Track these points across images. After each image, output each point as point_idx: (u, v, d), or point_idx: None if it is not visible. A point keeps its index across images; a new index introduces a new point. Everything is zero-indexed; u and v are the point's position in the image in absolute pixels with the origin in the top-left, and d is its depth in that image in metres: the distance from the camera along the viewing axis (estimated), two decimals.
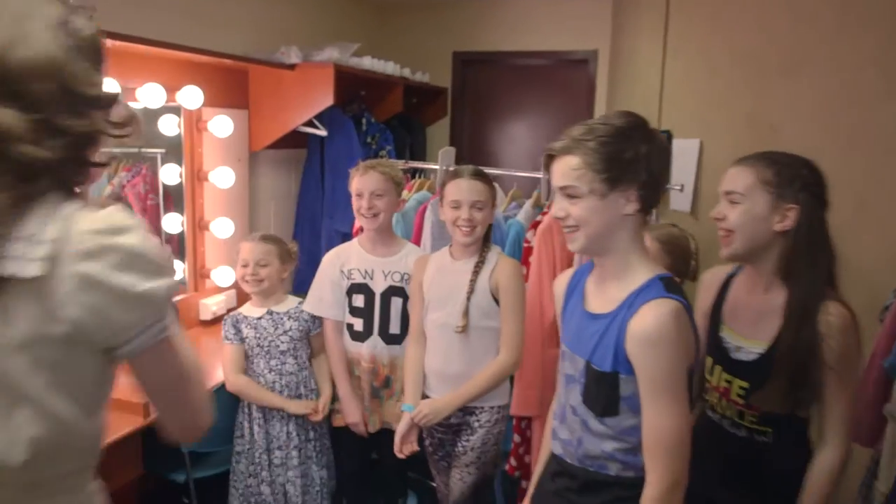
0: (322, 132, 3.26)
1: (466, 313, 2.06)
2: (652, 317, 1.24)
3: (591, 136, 1.28)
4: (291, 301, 2.39)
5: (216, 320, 2.98)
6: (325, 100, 3.11)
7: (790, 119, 2.47)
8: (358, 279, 2.35)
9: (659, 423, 1.27)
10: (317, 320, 2.35)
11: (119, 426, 1.98)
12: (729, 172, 1.59)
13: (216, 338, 2.84)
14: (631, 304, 1.28)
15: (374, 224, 2.30)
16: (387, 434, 2.33)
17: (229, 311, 3.06)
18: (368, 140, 3.71)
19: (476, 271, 2.08)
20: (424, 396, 2.17)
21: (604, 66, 4.26)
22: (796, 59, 2.43)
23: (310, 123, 3.21)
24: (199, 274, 2.96)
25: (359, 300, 2.35)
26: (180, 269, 2.91)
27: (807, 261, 1.48)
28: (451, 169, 2.19)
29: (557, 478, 1.48)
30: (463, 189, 2.06)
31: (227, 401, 2.32)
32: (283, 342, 2.29)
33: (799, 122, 2.44)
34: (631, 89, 3.69)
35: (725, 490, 1.61)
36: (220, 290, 3.04)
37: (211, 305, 2.96)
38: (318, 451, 2.35)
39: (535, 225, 2.59)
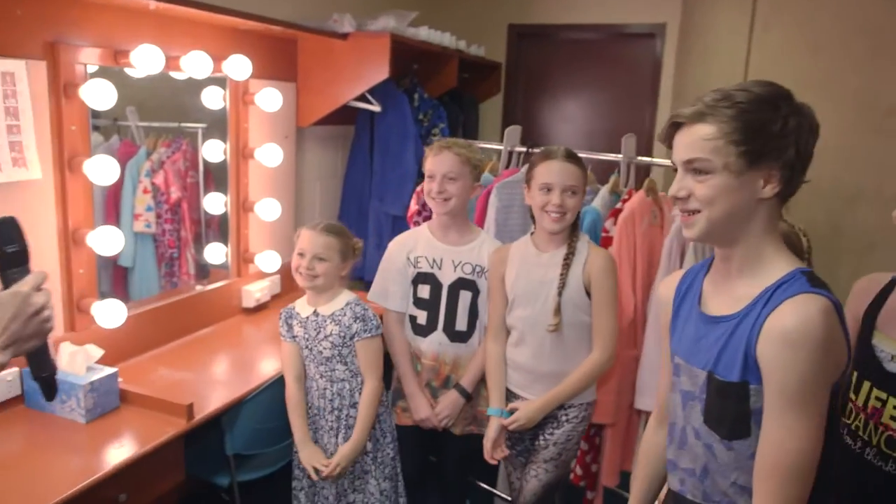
0: (376, 107, 3.02)
1: (559, 310, 1.89)
2: (795, 314, 1.02)
3: (729, 103, 1.08)
4: (341, 300, 2.08)
5: (259, 308, 2.80)
6: (380, 73, 2.87)
7: None
8: (425, 268, 2.15)
9: (781, 441, 1.05)
10: (358, 324, 2.03)
11: (161, 430, 1.80)
12: None
13: (259, 327, 2.67)
14: (767, 301, 1.07)
15: (445, 209, 2.09)
16: (445, 436, 2.21)
17: (273, 297, 2.91)
18: (420, 117, 3.46)
19: (567, 264, 1.88)
20: (509, 394, 2.03)
21: (672, 41, 3.95)
22: None
23: (362, 98, 2.98)
24: (243, 258, 2.76)
25: (424, 291, 2.16)
26: (222, 252, 2.71)
27: None
28: (542, 149, 1.97)
29: None
30: (555, 171, 1.87)
31: (269, 402, 2.13)
32: (325, 348, 2.03)
33: None
34: (707, 67, 3.40)
35: None
36: (264, 275, 2.84)
37: (255, 292, 2.76)
38: (378, 463, 2.13)
39: (615, 213, 2.35)
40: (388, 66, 2.85)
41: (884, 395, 1.36)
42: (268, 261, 2.76)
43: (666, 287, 1.34)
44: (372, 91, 3.00)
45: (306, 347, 2.05)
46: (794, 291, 1.05)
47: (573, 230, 1.92)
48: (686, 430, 1.21)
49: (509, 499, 2.63)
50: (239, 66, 2.42)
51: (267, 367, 2.27)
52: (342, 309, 2.04)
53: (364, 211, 3.42)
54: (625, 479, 2.51)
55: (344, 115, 3.11)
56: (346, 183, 3.46)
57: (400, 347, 2.18)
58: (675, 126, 1.14)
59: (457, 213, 2.13)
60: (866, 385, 1.40)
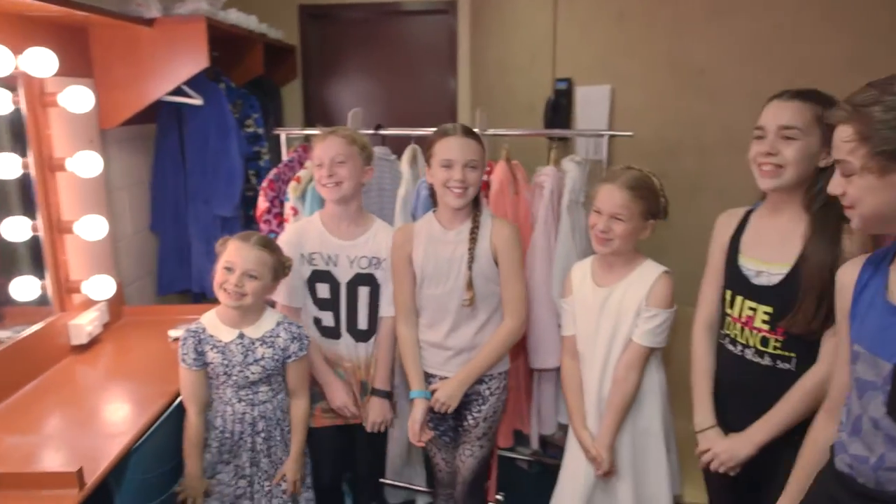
0: (197, 101, 2.72)
1: (471, 285, 1.88)
2: None
3: (872, 102, 1.08)
4: (269, 320, 1.90)
5: (93, 342, 2.40)
6: (197, 62, 2.57)
7: (720, 61, 2.51)
8: (321, 265, 2.04)
9: None
10: (295, 344, 1.91)
11: None
12: (777, 107, 1.53)
13: (97, 365, 2.29)
14: None
15: (337, 194, 1.99)
16: (361, 434, 2.15)
17: (104, 326, 2.51)
18: (230, 108, 3.19)
19: (473, 238, 1.89)
20: (428, 375, 2.03)
21: (465, 17, 4.07)
22: (722, 1, 2.46)
23: (178, 91, 2.66)
24: (66, 289, 2.33)
25: (324, 290, 2.05)
26: (36, 286, 2.26)
27: None
28: (440, 127, 1.93)
29: (849, 500, 1.24)
30: (454, 147, 1.86)
31: (157, 445, 1.86)
32: (253, 373, 1.85)
33: (731, 63, 2.48)
34: (509, 39, 3.57)
35: (749, 421, 1.62)
36: (91, 304, 2.44)
37: (85, 326, 2.36)
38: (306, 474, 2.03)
39: (484, 186, 2.39)
40: (206, 54, 2.57)
41: (754, 305, 1.58)
42: (99, 287, 2.37)
43: (846, 273, 1.30)
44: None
45: (224, 374, 1.84)
46: None
47: (476, 204, 1.93)
48: (862, 419, 1.20)
49: (423, 489, 2.62)
50: (41, 61, 2.02)
51: (135, 407, 1.96)
52: (273, 329, 1.87)
53: (181, 217, 3.08)
54: (518, 439, 2.62)
55: (144, 112, 2.75)
56: (155, 188, 3.08)
57: (312, 345, 2.04)
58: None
59: (349, 199, 2.03)
60: (739, 299, 1.62)
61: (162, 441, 1.87)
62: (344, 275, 2.04)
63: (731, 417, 1.67)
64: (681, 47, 2.59)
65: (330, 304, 2.05)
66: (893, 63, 2.10)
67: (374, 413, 2.07)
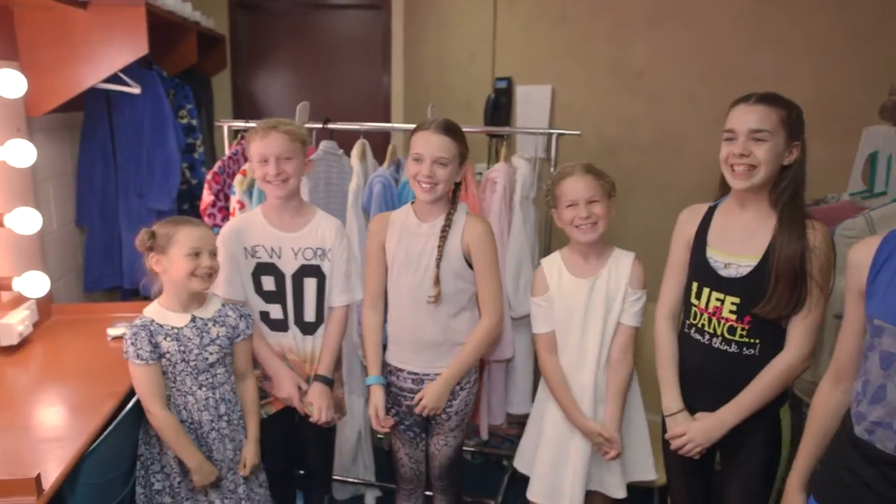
0: (135, 89, 2.59)
1: (438, 282, 1.90)
2: None
3: None
4: (215, 301, 1.91)
5: (24, 343, 2.26)
6: (136, 49, 2.45)
7: (657, 65, 2.64)
8: (264, 258, 2.02)
9: None
10: (243, 322, 1.92)
11: None
12: (745, 111, 1.61)
13: (29, 367, 2.16)
14: None
15: (285, 190, 1.97)
16: (311, 428, 2.13)
17: (34, 325, 2.37)
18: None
19: (443, 236, 1.91)
20: (393, 369, 2.05)
21: (398, 13, 4.07)
22: (662, 9, 2.59)
23: (114, 79, 2.53)
24: None
25: (269, 283, 2.03)
26: None
27: (797, 187, 1.63)
28: (421, 122, 1.93)
29: (865, 467, 1.35)
30: (424, 143, 1.88)
31: (110, 449, 1.78)
32: (211, 353, 1.83)
33: (667, 68, 2.62)
34: (447, 37, 3.60)
35: (715, 404, 1.73)
36: (20, 302, 2.30)
37: (16, 325, 2.21)
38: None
39: None
40: (145, 40, 2.46)
41: (721, 296, 1.68)
42: (31, 284, 2.23)
43: (862, 252, 1.38)
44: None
45: (182, 360, 1.80)
46: None
47: (452, 202, 1.95)
48: (887, 387, 1.29)
49: (372, 481, 2.63)
50: None
51: (82, 411, 1.86)
52: (221, 309, 1.88)
53: (110, 211, 2.94)
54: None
55: (70, 100, 2.61)
56: (82, 180, 2.91)
57: (258, 336, 2.04)
58: None
59: (293, 193, 2.02)
60: (706, 290, 1.71)
61: (115, 445, 1.79)
62: (289, 266, 2.02)
63: (698, 403, 1.76)
64: (620, 51, 2.70)
65: (276, 297, 2.04)
66: (813, 73, 2.30)
67: (317, 398, 2.04)
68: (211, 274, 1.81)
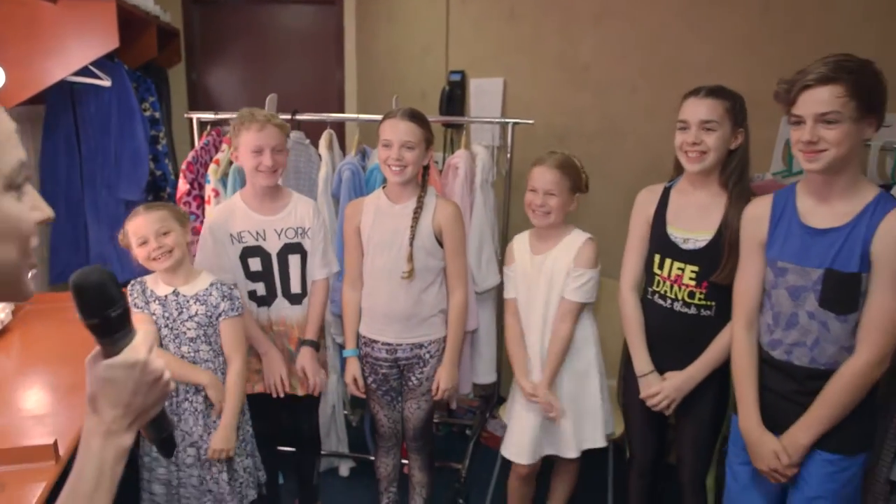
0: (105, 82, 2.66)
1: (411, 259, 2.08)
2: None
3: (858, 70, 1.46)
4: (203, 280, 2.02)
5: (4, 332, 2.32)
6: (106, 43, 2.55)
7: (602, 59, 2.87)
8: (250, 242, 2.17)
9: (886, 306, 1.49)
10: (226, 302, 2.03)
11: (33, 482, 1.50)
12: (695, 103, 1.82)
13: (14, 354, 2.23)
14: (873, 213, 1.50)
15: (275, 180, 2.15)
16: (301, 399, 2.29)
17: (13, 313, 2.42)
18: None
19: (416, 217, 2.08)
20: (368, 340, 2.22)
21: (350, 9, 4.21)
22: (606, 8, 2.81)
23: (84, 72, 2.59)
24: None
25: (256, 264, 2.18)
26: None
27: (743, 169, 1.87)
28: (389, 111, 2.10)
29: (786, 382, 1.65)
30: (393, 129, 2.05)
31: None
32: (189, 328, 1.97)
33: (611, 61, 2.85)
34: (399, 32, 3.76)
35: (678, 361, 1.96)
36: None
37: None
38: (241, 441, 2.10)
39: None
40: (115, 34, 2.55)
41: (682, 265, 1.91)
42: None
43: (759, 208, 1.71)
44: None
45: (166, 327, 1.95)
46: (892, 205, 1.49)
47: (423, 184, 2.12)
48: (798, 314, 1.61)
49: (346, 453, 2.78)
50: None
51: (75, 388, 1.95)
52: (207, 289, 2.00)
53: (75, 203, 2.99)
54: None
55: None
56: (45, 173, 2.95)
57: (249, 317, 2.17)
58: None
59: (277, 181, 2.19)
60: (668, 261, 1.94)
61: None
62: (273, 246, 2.18)
63: (663, 359, 1.99)
64: (568, 46, 2.92)
65: (262, 276, 2.18)
66: (744, 67, 2.56)
67: (307, 361, 2.19)
68: (168, 251, 1.92)
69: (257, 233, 2.17)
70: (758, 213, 1.71)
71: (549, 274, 2.12)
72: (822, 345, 1.59)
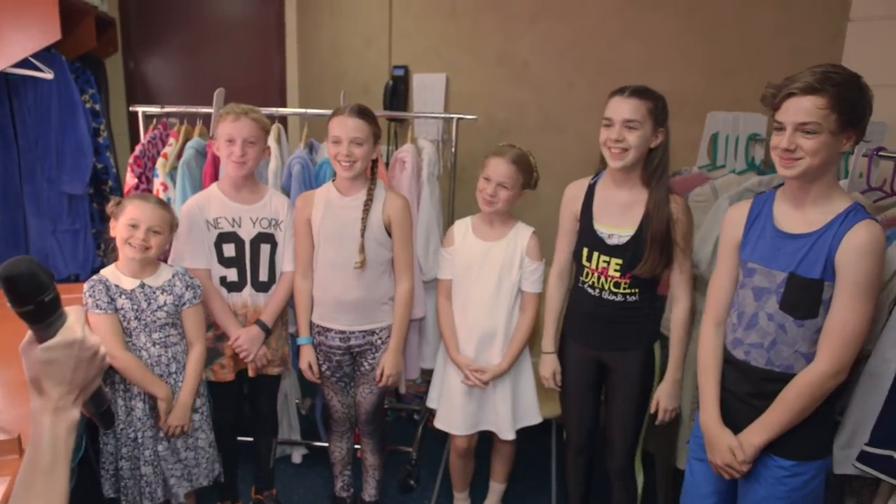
0: (48, 74, 2.62)
1: (363, 250, 2.16)
2: (868, 232, 1.49)
3: (843, 83, 1.48)
4: (166, 271, 2.10)
5: None
6: (47, 34, 2.52)
7: (541, 57, 3.01)
8: (226, 228, 2.25)
9: (847, 317, 1.52)
10: (189, 291, 2.11)
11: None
12: (620, 102, 1.93)
13: None
14: (842, 223, 1.53)
15: (244, 170, 2.21)
16: (259, 380, 2.39)
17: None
18: None
19: (366, 209, 2.16)
20: (321, 329, 2.30)
21: (292, 2, 4.20)
22: (543, 7, 2.94)
23: (24, 64, 2.55)
24: None
25: (230, 249, 2.26)
26: None
27: (664, 167, 2.01)
28: (337, 108, 2.16)
29: (742, 384, 1.72)
30: (342, 125, 2.13)
31: None
32: (159, 317, 2.04)
33: (549, 59, 2.99)
34: (342, 26, 3.79)
35: (611, 347, 2.13)
36: None
37: None
38: (205, 417, 2.20)
39: None
40: (57, 25, 2.53)
41: (608, 258, 2.05)
42: None
43: (737, 212, 1.76)
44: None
45: (135, 318, 2.00)
46: (861, 217, 1.51)
47: (372, 177, 2.20)
48: (758, 315, 1.66)
49: (298, 440, 2.85)
50: None
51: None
52: (170, 280, 2.08)
53: (13, 196, 2.93)
54: None
55: None
56: None
57: (218, 301, 2.25)
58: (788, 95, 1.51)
59: (251, 172, 2.25)
60: (595, 254, 2.08)
61: None
62: (247, 233, 2.25)
63: (596, 339, 2.14)
64: (508, 43, 3.04)
65: (235, 262, 2.26)
66: (670, 67, 2.74)
67: (249, 339, 2.25)
68: (146, 247, 1.98)
69: (233, 219, 2.24)
70: (735, 216, 1.76)
71: (499, 263, 2.24)
72: (778, 346, 1.63)
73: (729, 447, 1.71)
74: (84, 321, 0.95)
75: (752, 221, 1.72)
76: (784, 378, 1.63)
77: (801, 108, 1.49)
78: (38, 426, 0.91)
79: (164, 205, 2.09)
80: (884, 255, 1.54)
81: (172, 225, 2.08)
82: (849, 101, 1.48)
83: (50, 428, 0.91)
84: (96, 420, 1.06)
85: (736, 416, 1.73)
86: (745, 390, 1.71)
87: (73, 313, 0.94)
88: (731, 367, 1.76)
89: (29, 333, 0.91)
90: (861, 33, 2.44)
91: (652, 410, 2.11)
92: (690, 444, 1.94)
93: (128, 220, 1.98)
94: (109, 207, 2.04)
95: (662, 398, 2.08)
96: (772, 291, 1.64)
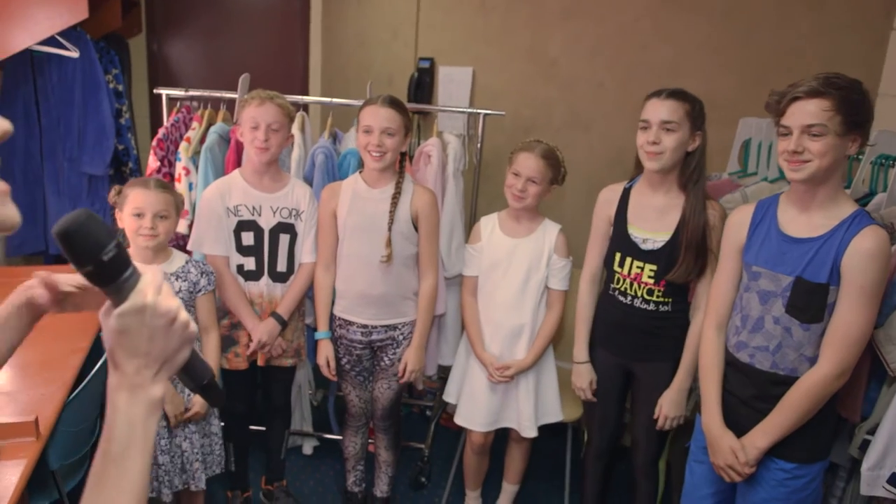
0: (74, 53, 2.60)
1: (390, 243, 2.13)
2: (874, 238, 1.51)
3: (848, 87, 1.50)
4: (179, 258, 2.07)
5: None
6: (74, 12, 2.49)
7: (570, 55, 2.96)
8: (246, 216, 2.21)
9: (851, 320, 1.54)
10: (204, 278, 2.08)
11: (16, 457, 1.51)
12: (657, 104, 1.89)
13: None
14: (848, 228, 1.54)
15: (267, 157, 2.17)
16: (273, 371, 2.38)
17: None
18: None
19: (394, 202, 2.13)
20: (344, 322, 2.26)
21: None
22: (575, 5, 2.90)
23: (50, 41, 2.53)
24: None
25: (249, 238, 2.22)
26: None
27: (701, 171, 1.97)
28: (369, 97, 2.14)
29: (746, 387, 1.71)
30: (374, 115, 2.09)
31: (87, 399, 1.90)
32: None
33: (579, 58, 2.95)
34: (369, 17, 3.75)
35: (640, 358, 2.09)
36: None
37: None
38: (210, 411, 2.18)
39: None
40: (84, 4, 2.50)
41: (641, 264, 2.02)
42: None
43: (740, 215, 1.76)
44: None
45: None
46: (866, 223, 1.53)
47: (400, 170, 2.17)
48: (764, 318, 1.66)
49: (310, 432, 2.83)
50: None
51: (52, 364, 1.95)
52: (184, 266, 2.05)
53: (34, 174, 2.93)
54: None
55: None
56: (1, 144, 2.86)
57: (235, 289, 2.22)
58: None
59: (274, 159, 2.21)
60: (628, 259, 2.04)
61: (87, 395, 1.90)
62: (267, 223, 2.22)
63: (626, 351, 2.11)
64: (537, 40, 2.99)
65: (253, 251, 2.23)
66: (702, 69, 2.69)
67: (262, 332, 2.22)
68: (154, 235, 1.94)
69: (253, 207, 2.21)
70: (739, 219, 1.77)
71: (527, 260, 2.21)
72: (783, 350, 1.64)
73: (731, 448, 1.72)
74: (160, 284, 0.83)
75: (755, 225, 1.72)
76: (788, 381, 1.64)
77: (807, 110, 1.52)
78: (113, 407, 0.79)
79: (167, 186, 2.04)
80: (889, 261, 1.55)
81: (179, 206, 2.04)
82: (852, 104, 1.51)
83: (126, 408, 0.78)
84: (201, 395, 0.95)
85: (739, 418, 1.74)
86: (749, 393, 1.72)
87: (148, 273, 0.82)
88: (735, 370, 1.77)
89: (107, 300, 0.80)
90: None
91: (655, 416, 2.07)
92: (691, 447, 1.93)
93: (132, 210, 1.93)
94: (111, 197, 2.00)
95: (666, 405, 2.05)
96: (778, 295, 1.64)
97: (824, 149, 1.51)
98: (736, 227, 1.77)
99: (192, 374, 0.92)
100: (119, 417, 0.78)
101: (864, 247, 1.52)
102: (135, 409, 0.79)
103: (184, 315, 0.84)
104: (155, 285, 0.81)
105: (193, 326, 0.87)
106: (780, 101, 1.57)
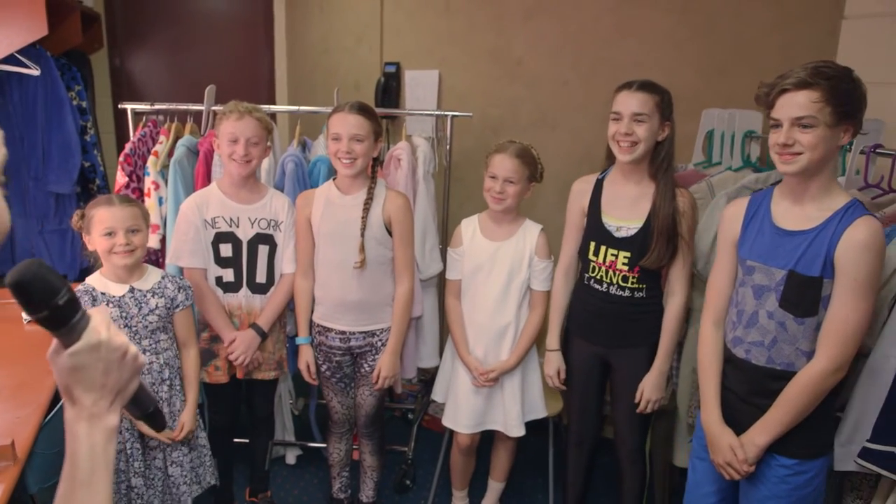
0: (34, 71, 2.57)
1: (363, 249, 2.14)
2: (867, 228, 1.49)
3: (836, 76, 1.48)
4: (155, 274, 2.05)
5: None
6: (33, 30, 2.46)
7: (535, 54, 2.99)
8: (223, 227, 2.22)
9: (847, 315, 1.52)
10: (181, 293, 2.07)
11: None
12: (628, 96, 1.94)
13: None
14: (841, 219, 1.52)
15: (247, 170, 2.18)
16: (255, 383, 2.38)
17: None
18: None
19: (366, 208, 2.14)
20: (322, 328, 2.27)
21: None
22: (538, 4, 2.93)
23: (10, 60, 2.50)
24: None
25: (227, 250, 2.23)
26: None
27: (670, 160, 2.02)
28: (338, 105, 2.14)
29: (743, 384, 1.71)
30: (342, 122, 2.11)
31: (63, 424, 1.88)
32: (151, 321, 1.99)
33: (543, 56, 2.98)
34: (332, 22, 3.75)
35: (617, 345, 2.13)
36: None
37: None
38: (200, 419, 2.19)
39: None
40: (44, 21, 2.48)
41: (616, 252, 2.06)
42: None
43: (735, 209, 1.75)
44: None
45: (125, 326, 1.95)
46: (860, 214, 1.50)
47: (372, 176, 2.18)
48: (758, 313, 1.65)
49: (292, 441, 2.83)
50: None
51: (24, 388, 1.92)
52: (160, 282, 2.03)
53: (21, 193, 2.88)
54: None
55: None
56: None
57: (213, 301, 2.21)
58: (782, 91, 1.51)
59: (252, 172, 2.22)
60: (603, 248, 2.08)
61: (63, 417, 1.88)
62: (245, 234, 2.23)
63: (603, 338, 2.15)
64: (502, 40, 3.02)
65: (232, 262, 2.23)
66: (664, 64, 2.73)
67: (244, 342, 2.22)
68: (132, 250, 1.92)
69: (231, 219, 2.21)
70: (733, 213, 1.76)
71: (508, 262, 2.23)
72: (779, 345, 1.63)
73: (730, 446, 1.70)
74: (109, 322, 0.90)
75: (749, 218, 1.72)
76: (785, 376, 1.63)
77: (796, 102, 1.50)
78: (73, 436, 0.86)
79: (131, 200, 2.03)
80: (883, 252, 1.54)
81: (147, 218, 2.02)
82: (842, 93, 1.48)
83: (86, 437, 0.86)
84: (146, 422, 1.03)
85: (738, 415, 1.73)
86: (747, 389, 1.71)
87: (97, 314, 0.88)
88: (732, 365, 1.75)
89: (55, 341, 0.85)
90: (856, 31, 2.45)
91: (636, 400, 2.11)
92: (693, 443, 1.94)
93: (102, 230, 1.91)
94: (75, 222, 1.97)
95: (647, 388, 2.09)
96: (771, 289, 1.63)
97: (815, 141, 1.49)
98: (730, 220, 1.76)
99: (138, 403, 0.99)
100: (81, 447, 0.86)
101: (856, 238, 1.49)
102: (95, 438, 0.86)
103: (133, 348, 0.92)
104: (106, 323, 0.89)
105: (142, 358, 0.94)
106: (769, 93, 1.56)
